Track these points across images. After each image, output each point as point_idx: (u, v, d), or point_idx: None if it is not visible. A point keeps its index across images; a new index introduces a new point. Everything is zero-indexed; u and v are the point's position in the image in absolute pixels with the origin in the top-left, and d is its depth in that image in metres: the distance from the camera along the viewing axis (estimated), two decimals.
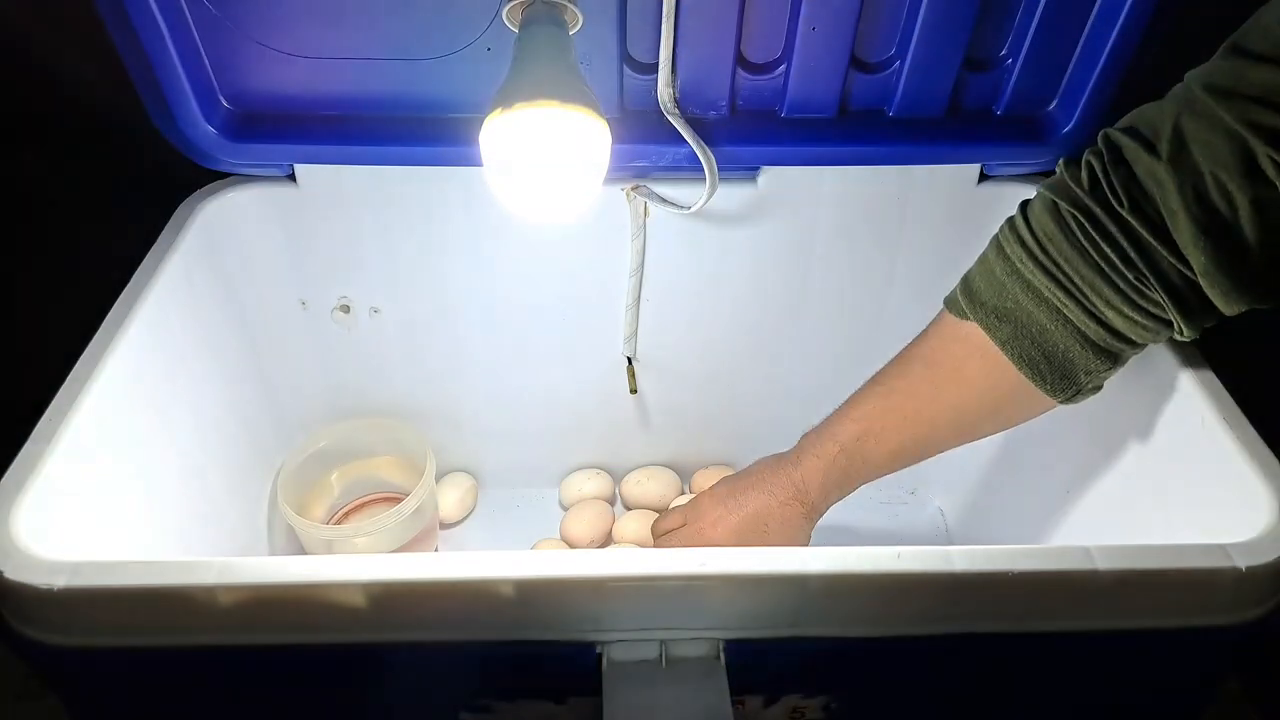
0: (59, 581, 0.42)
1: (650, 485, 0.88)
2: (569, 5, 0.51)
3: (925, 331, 0.58)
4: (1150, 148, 0.46)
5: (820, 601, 0.45)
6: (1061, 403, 0.54)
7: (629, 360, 0.83)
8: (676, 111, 0.65)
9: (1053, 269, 0.50)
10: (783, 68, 0.65)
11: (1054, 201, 0.50)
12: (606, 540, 0.84)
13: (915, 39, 0.63)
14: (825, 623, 0.46)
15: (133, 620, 0.44)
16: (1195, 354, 0.57)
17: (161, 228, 0.66)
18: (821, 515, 0.64)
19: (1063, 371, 0.52)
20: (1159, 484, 0.58)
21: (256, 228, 0.71)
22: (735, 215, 0.72)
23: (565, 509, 0.89)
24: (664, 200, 0.71)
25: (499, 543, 0.86)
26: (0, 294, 0.71)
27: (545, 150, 0.51)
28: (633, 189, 0.70)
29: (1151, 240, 0.46)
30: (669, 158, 0.67)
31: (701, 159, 0.66)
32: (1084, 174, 0.49)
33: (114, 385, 0.55)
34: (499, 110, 0.50)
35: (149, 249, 0.64)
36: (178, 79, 0.61)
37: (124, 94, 0.62)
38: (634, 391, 0.85)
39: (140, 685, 0.49)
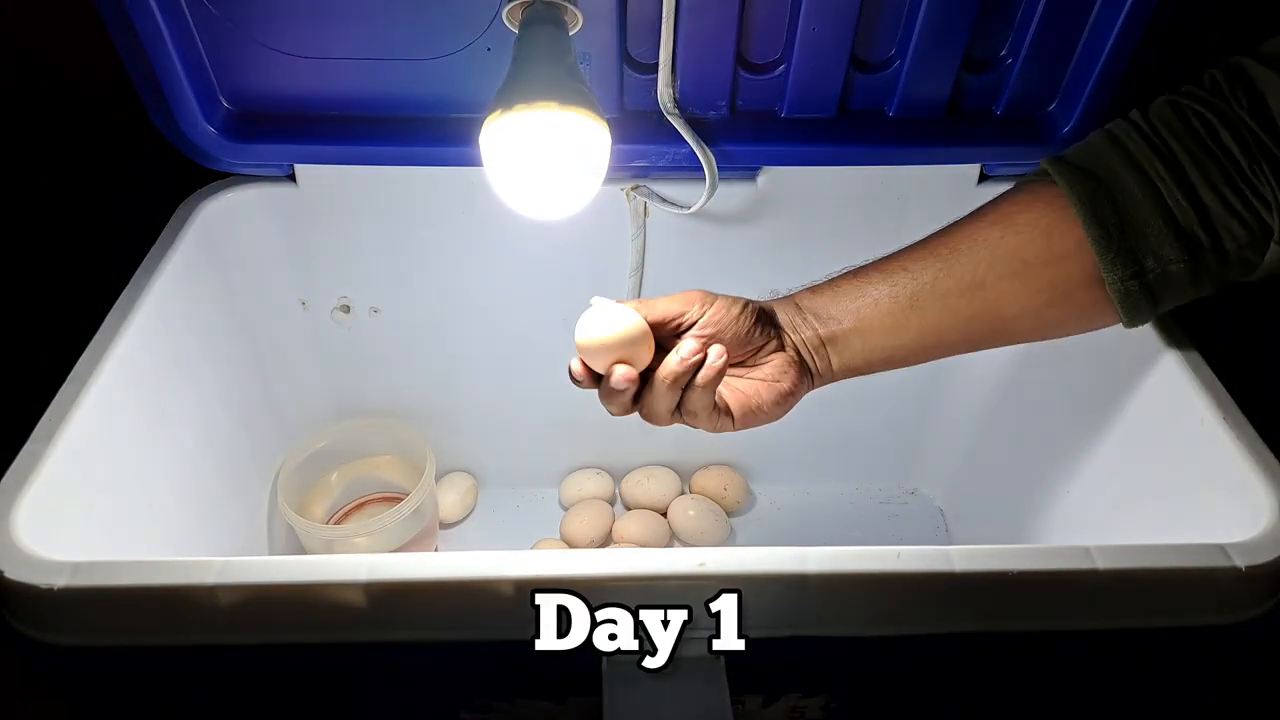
0: (59, 581, 0.42)
1: (650, 485, 0.88)
2: (569, 6, 0.51)
3: (982, 206, 0.52)
4: (1268, 60, 0.45)
5: (820, 601, 0.45)
6: (1112, 285, 0.48)
7: None
8: (676, 112, 0.65)
9: (1160, 145, 0.47)
10: (783, 68, 0.65)
11: (1175, 99, 0.48)
12: (607, 540, 0.85)
13: (915, 39, 0.63)
14: (825, 623, 0.46)
15: (133, 620, 0.44)
16: (1195, 354, 0.57)
17: (161, 228, 0.66)
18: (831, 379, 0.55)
19: (1132, 244, 0.47)
20: (1159, 484, 0.58)
21: (257, 227, 0.71)
22: (735, 215, 0.72)
23: (565, 509, 0.89)
24: (664, 200, 0.71)
25: (499, 543, 0.86)
26: (0, 294, 0.71)
27: (545, 152, 0.51)
28: (633, 189, 0.70)
29: (1266, 139, 0.45)
30: (669, 158, 0.67)
31: (701, 159, 0.66)
32: (1206, 81, 0.48)
33: (114, 385, 0.55)
34: (499, 111, 0.50)
35: (149, 249, 0.64)
36: (178, 79, 0.61)
37: (124, 93, 0.62)
38: None
39: (140, 685, 0.49)
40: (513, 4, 0.51)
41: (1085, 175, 0.48)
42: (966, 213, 0.53)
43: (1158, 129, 0.47)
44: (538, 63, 0.51)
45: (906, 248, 0.53)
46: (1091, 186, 0.47)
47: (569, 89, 0.51)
